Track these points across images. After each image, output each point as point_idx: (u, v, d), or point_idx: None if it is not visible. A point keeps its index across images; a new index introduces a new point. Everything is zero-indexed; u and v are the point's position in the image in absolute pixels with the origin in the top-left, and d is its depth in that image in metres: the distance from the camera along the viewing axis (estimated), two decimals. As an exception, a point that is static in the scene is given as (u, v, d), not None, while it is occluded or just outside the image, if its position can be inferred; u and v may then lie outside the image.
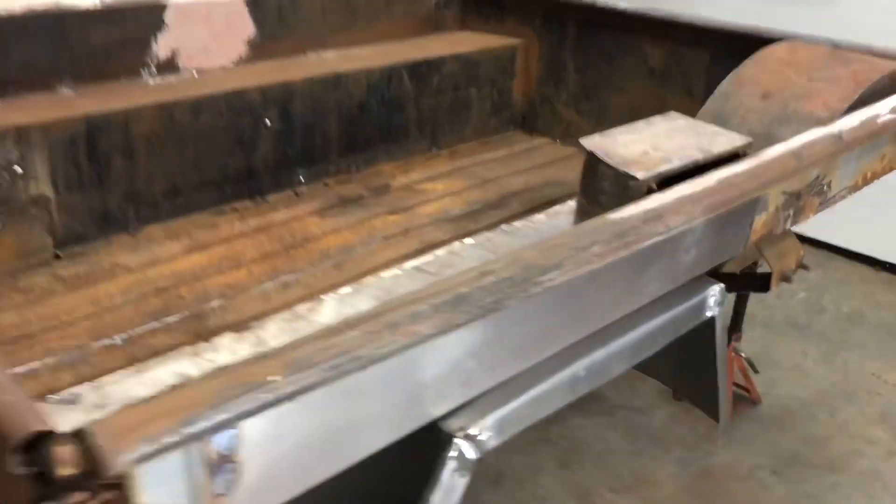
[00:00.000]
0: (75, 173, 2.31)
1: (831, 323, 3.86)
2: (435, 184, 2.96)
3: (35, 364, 1.80)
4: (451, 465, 1.48)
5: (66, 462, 0.90)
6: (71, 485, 0.92)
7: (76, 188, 2.32)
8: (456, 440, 1.48)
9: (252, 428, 1.06)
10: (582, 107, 3.37)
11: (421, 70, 3.11)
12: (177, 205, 2.54)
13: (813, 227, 3.22)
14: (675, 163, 1.97)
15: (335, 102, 2.87)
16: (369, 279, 1.87)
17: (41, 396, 1.57)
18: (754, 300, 3.27)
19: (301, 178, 2.82)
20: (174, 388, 0.93)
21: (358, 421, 1.25)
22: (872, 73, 2.41)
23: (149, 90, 2.60)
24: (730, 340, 3.09)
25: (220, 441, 1.03)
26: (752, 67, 2.50)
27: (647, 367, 2.48)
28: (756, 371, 3.26)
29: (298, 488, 1.22)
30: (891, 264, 4.29)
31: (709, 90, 2.58)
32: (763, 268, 2.53)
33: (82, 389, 1.44)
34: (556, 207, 2.23)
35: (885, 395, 3.36)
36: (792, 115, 2.34)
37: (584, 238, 1.39)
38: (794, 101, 2.37)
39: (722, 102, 2.44)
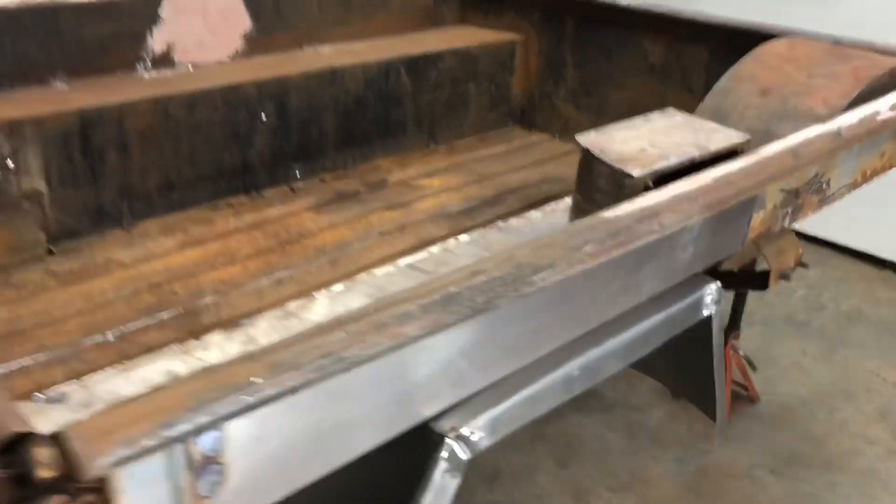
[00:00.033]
0: (69, 168, 2.30)
1: (831, 321, 3.84)
2: (432, 179, 2.94)
3: (26, 360, 1.79)
4: (442, 466, 1.47)
5: (44, 464, 0.88)
6: (50, 487, 0.91)
7: (69, 183, 2.31)
8: (447, 441, 1.47)
9: (237, 429, 1.05)
10: (581, 103, 3.35)
11: (419, 65, 3.09)
12: (171, 200, 2.53)
13: (812, 224, 3.22)
14: (672, 160, 1.95)
15: (332, 97, 2.85)
16: (362, 276, 1.85)
17: (32, 393, 1.56)
18: (753, 297, 3.25)
19: (297, 173, 2.80)
20: (154, 390, 0.92)
21: (346, 422, 1.24)
22: (873, 69, 2.39)
23: (144, 84, 2.58)
24: (728, 338, 3.07)
25: (204, 442, 1.02)
26: (752, 63, 2.48)
27: (644, 366, 2.47)
28: (755, 369, 3.24)
29: (286, 490, 1.21)
30: (891, 262, 4.26)
31: (708, 86, 2.57)
32: (762, 265, 2.51)
33: (69, 388, 1.42)
34: (553, 205, 2.21)
35: (884, 393, 3.34)
36: (791, 112, 2.32)
37: (577, 237, 1.38)
38: (793, 98, 2.35)
39: (720, 99, 2.42)
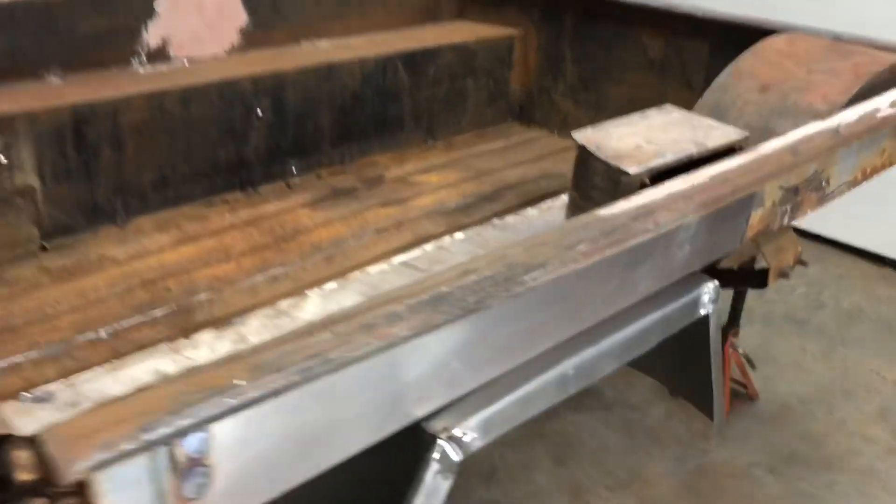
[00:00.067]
0: (62, 164, 2.28)
1: (831, 318, 3.82)
2: (430, 176, 2.92)
3: (18, 358, 1.78)
4: (434, 467, 1.45)
5: (23, 467, 0.87)
6: (30, 490, 0.89)
7: (63, 179, 2.29)
8: (439, 441, 1.45)
9: (223, 430, 1.03)
10: (580, 98, 3.33)
11: (416, 60, 3.07)
12: (166, 196, 2.51)
13: (813, 221, 3.19)
14: (669, 157, 1.93)
15: (328, 93, 2.83)
16: (355, 274, 1.83)
17: (21, 391, 1.55)
18: (753, 295, 3.23)
19: (293, 169, 2.78)
20: (135, 393, 0.90)
21: (335, 423, 1.22)
22: (873, 65, 2.37)
23: (139, 79, 2.56)
24: (727, 336, 3.06)
25: (189, 444, 1.01)
26: (751, 59, 2.46)
27: (641, 365, 2.45)
28: (754, 367, 3.22)
29: (275, 491, 1.20)
30: (891, 259, 4.24)
31: (708, 82, 2.55)
32: (761, 263, 2.49)
33: (56, 387, 1.41)
34: (549, 202, 2.19)
35: (884, 392, 3.32)
36: (791, 108, 2.30)
37: (570, 236, 1.36)
38: (793, 94, 2.33)
39: (719, 95, 2.39)
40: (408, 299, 1.12)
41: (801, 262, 2.64)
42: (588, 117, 3.12)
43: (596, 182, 1.91)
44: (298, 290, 2.04)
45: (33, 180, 2.22)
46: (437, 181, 2.86)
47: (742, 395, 3.22)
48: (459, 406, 1.48)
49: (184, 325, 1.94)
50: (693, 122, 2.16)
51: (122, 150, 2.39)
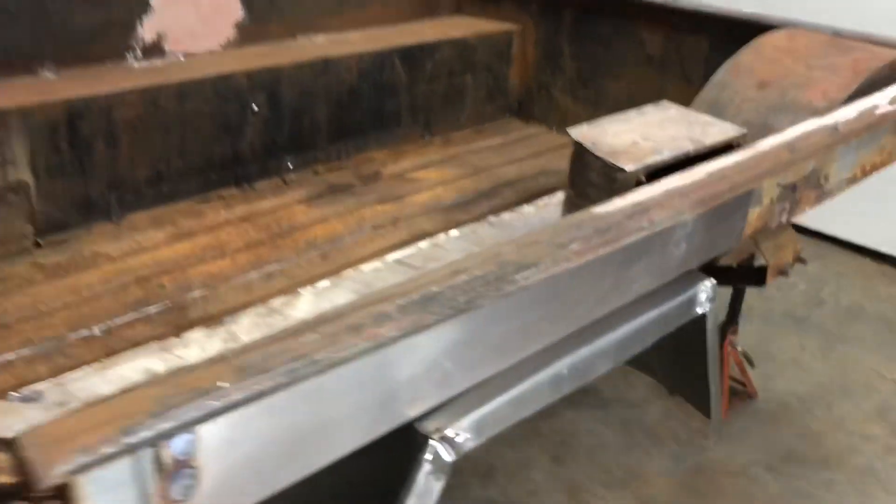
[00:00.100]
0: (56, 159, 2.27)
1: (830, 316, 3.80)
2: (427, 172, 2.91)
3: (10, 355, 1.77)
4: (426, 468, 1.43)
5: (1, 470, 0.85)
6: (10, 493, 0.88)
7: (57, 174, 2.27)
8: (431, 442, 1.44)
9: (210, 432, 1.02)
10: (579, 94, 3.31)
11: (414, 55, 3.05)
12: (161, 192, 2.49)
13: (813, 218, 3.18)
14: (666, 154, 1.91)
15: (325, 88, 2.81)
16: (349, 272, 1.82)
17: (12, 389, 1.54)
18: (752, 292, 3.22)
19: (289, 165, 2.77)
20: (117, 395, 0.89)
21: (325, 424, 1.21)
22: (873, 61, 2.34)
23: (133, 74, 2.54)
24: (726, 334, 3.04)
25: (175, 446, 0.99)
26: (750, 55, 2.44)
27: (639, 363, 2.44)
28: (752, 365, 3.21)
29: (264, 492, 1.18)
30: (891, 256, 4.22)
31: (707, 78, 2.53)
32: (759, 261, 2.48)
33: (44, 386, 1.40)
34: (546, 199, 2.18)
35: (883, 390, 3.31)
36: (789, 105, 2.28)
37: (563, 234, 1.34)
38: (791, 91, 2.31)
39: (717, 91, 2.38)
40: (397, 299, 1.10)
41: (800, 259, 2.62)
42: (587, 113, 3.10)
43: (592, 179, 1.89)
44: (293, 287, 2.03)
45: (27, 176, 2.21)
46: (435, 177, 2.85)
47: (741, 393, 3.20)
48: (452, 406, 1.47)
49: (178, 323, 1.92)
50: (690, 118, 2.14)
51: (117, 146, 2.37)
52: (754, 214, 2.00)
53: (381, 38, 3.07)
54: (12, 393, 1.37)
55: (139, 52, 2.63)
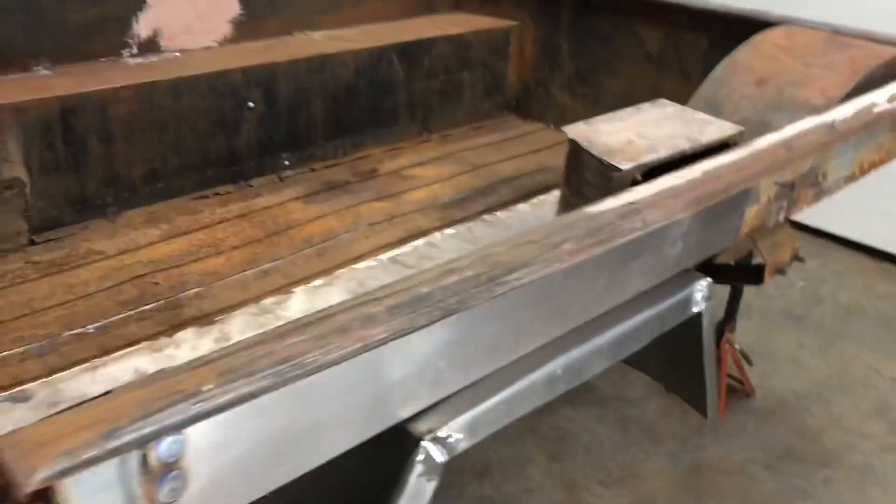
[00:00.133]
0: (51, 156, 2.26)
1: (829, 314, 3.79)
2: (424, 169, 2.90)
3: (3, 353, 1.76)
4: (417, 469, 1.42)
5: (-16, 475, 0.85)
6: (-5, 497, 0.87)
7: (52, 172, 2.27)
8: (423, 443, 1.43)
9: (197, 434, 1.01)
10: (577, 91, 3.30)
11: (411, 52, 3.04)
12: (156, 189, 2.48)
13: (812, 216, 3.16)
14: (662, 153, 1.90)
15: (321, 84, 2.80)
16: (342, 271, 1.81)
17: (3, 388, 1.53)
18: (751, 290, 3.21)
19: (286, 162, 2.76)
20: (101, 398, 0.88)
21: (315, 425, 1.20)
22: (871, 59, 2.33)
23: (129, 71, 2.53)
24: (724, 332, 3.03)
25: (162, 448, 0.99)
26: (747, 53, 2.42)
27: (635, 362, 2.42)
28: (750, 363, 3.20)
29: (254, 494, 1.18)
30: (890, 254, 4.21)
31: (706, 75, 2.51)
32: (757, 259, 2.47)
33: (34, 386, 1.39)
34: (542, 197, 2.17)
35: (880, 388, 3.30)
36: (787, 103, 2.27)
37: (556, 234, 1.33)
38: (789, 88, 2.30)
39: (715, 89, 2.36)
40: (386, 300, 1.10)
41: (798, 257, 2.62)
42: (585, 110, 3.09)
43: (587, 178, 1.88)
44: (288, 285, 2.03)
45: (21, 173, 2.20)
46: (432, 175, 2.84)
47: (738, 391, 3.19)
48: (445, 407, 1.46)
49: (173, 321, 1.92)
50: (687, 116, 2.13)
51: (112, 143, 2.36)
52: (751, 213, 1.98)
53: (379, 35, 3.06)
54: (0, 393, 1.37)
55: (135, 49, 2.62)
